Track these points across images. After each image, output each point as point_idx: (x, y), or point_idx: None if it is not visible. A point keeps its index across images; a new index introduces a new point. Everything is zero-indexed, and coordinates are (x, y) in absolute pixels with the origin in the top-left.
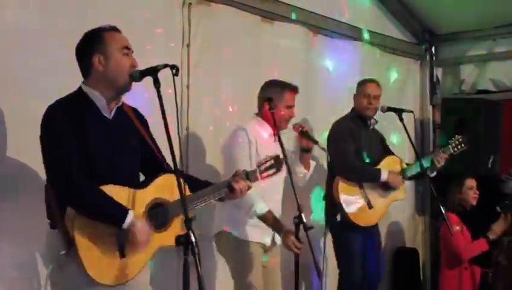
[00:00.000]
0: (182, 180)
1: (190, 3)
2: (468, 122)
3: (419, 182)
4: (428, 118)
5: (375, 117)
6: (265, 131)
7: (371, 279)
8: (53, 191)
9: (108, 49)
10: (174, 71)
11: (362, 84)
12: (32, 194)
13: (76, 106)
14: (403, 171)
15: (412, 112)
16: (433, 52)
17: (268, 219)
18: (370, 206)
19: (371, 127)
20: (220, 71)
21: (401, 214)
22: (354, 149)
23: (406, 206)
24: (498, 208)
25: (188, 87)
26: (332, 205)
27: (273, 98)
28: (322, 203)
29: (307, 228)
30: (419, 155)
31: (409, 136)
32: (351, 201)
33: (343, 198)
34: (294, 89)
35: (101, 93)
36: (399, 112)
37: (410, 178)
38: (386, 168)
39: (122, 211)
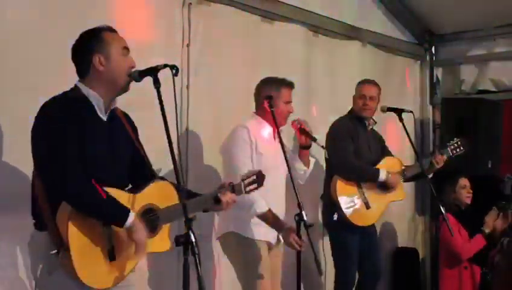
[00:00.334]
0: (180, 182)
1: (190, 3)
2: (468, 122)
3: (419, 182)
4: (428, 118)
5: (373, 118)
6: (264, 130)
7: (370, 279)
8: (45, 189)
9: (108, 49)
10: (174, 71)
11: (359, 85)
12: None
13: (73, 105)
14: (401, 172)
15: (411, 112)
16: (433, 52)
17: (268, 218)
18: (368, 206)
19: (370, 128)
20: (220, 71)
21: (401, 214)
22: (352, 149)
23: (406, 206)
24: (495, 208)
25: (188, 87)
26: (330, 204)
27: (272, 96)
28: None
29: (308, 226)
30: (419, 155)
31: (408, 136)
32: (349, 201)
33: (341, 197)
34: (290, 85)
35: (99, 93)
36: (399, 112)
37: (408, 179)
38: (385, 168)
39: (124, 212)
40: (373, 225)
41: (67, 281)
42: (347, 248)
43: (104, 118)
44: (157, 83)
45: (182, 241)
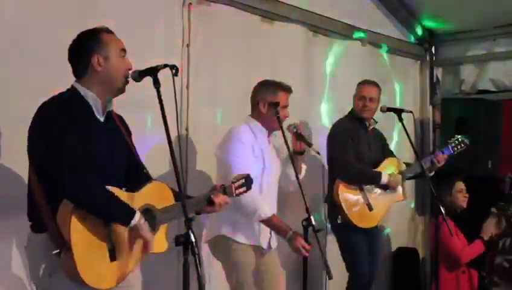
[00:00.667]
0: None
1: (190, 3)
2: (468, 122)
3: (419, 182)
4: (428, 118)
5: (374, 117)
6: (259, 132)
7: (369, 279)
8: (44, 189)
9: (107, 50)
10: (173, 71)
11: (359, 85)
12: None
13: (71, 105)
14: (402, 173)
15: (411, 112)
16: (433, 52)
17: (272, 223)
18: (370, 208)
19: (370, 128)
20: (220, 71)
21: (401, 214)
22: (353, 151)
23: (406, 206)
24: (493, 209)
25: (188, 87)
26: (333, 207)
27: (278, 103)
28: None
29: (316, 231)
30: (419, 155)
31: (408, 136)
32: (351, 203)
33: (344, 200)
34: (287, 89)
35: (97, 94)
36: (398, 112)
37: (409, 178)
38: (386, 170)
39: (130, 211)
40: (376, 226)
41: (67, 283)
42: (355, 248)
43: (102, 119)
44: (157, 83)
45: (182, 241)
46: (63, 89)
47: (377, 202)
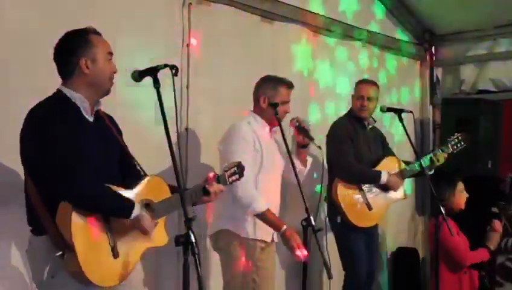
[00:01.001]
0: (180, 182)
1: (190, 3)
2: (468, 122)
3: (419, 182)
4: (428, 118)
5: (373, 116)
6: (262, 127)
7: (368, 279)
8: (39, 192)
9: (95, 52)
10: (173, 71)
11: (357, 84)
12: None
13: (59, 107)
14: (402, 172)
15: (411, 112)
16: (433, 52)
17: (267, 218)
18: (369, 207)
19: (369, 127)
20: (220, 71)
21: (401, 214)
22: (353, 151)
23: (406, 206)
24: (494, 209)
25: (187, 87)
26: (332, 206)
27: (278, 104)
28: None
29: (316, 231)
30: (418, 155)
31: (408, 136)
32: (351, 203)
33: (343, 200)
34: (288, 84)
35: (85, 95)
36: (398, 112)
37: (409, 176)
38: (385, 169)
39: (129, 203)
40: (375, 226)
41: (70, 283)
42: (354, 249)
43: (91, 119)
44: (157, 83)
45: (182, 241)
46: None
47: (376, 202)
